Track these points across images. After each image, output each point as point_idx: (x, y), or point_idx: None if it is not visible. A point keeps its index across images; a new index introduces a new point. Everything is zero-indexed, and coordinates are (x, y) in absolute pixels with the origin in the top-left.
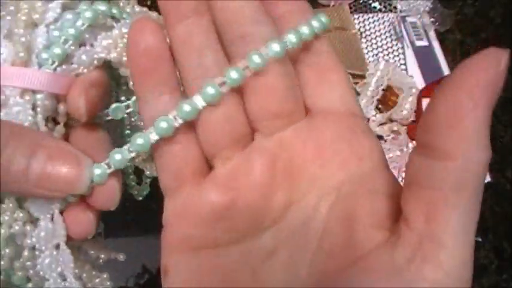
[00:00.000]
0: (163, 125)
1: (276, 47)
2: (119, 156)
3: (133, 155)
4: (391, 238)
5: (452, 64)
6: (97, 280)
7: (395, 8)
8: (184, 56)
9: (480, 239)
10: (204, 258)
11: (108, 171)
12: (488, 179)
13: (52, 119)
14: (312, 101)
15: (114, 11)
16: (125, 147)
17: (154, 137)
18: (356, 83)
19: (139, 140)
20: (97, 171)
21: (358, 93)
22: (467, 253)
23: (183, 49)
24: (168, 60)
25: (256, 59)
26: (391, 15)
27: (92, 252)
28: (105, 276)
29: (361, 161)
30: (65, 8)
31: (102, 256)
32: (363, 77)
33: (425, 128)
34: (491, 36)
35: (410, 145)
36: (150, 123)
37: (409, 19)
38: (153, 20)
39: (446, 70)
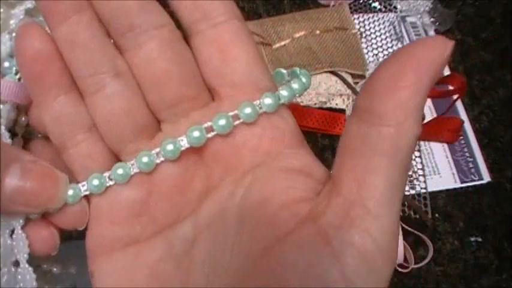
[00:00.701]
0: (145, 159)
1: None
2: (97, 182)
3: (112, 183)
4: (318, 207)
5: (452, 64)
6: None
7: (395, 8)
8: (72, 55)
9: (480, 239)
10: (128, 256)
11: (83, 194)
12: (488, 179)
13: (8, 130)
14: (217, 82)
15: None
16: (106, 174)
17: (135, 169)
18: (356, 83)
19: (119, 170)
20: (70, 191)
21: (358, 93)
22: (393, 221)
23: (70, 49)
24: (57, 61)
25: None
26: (391, 15)
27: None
28: None
29: (274, 141)
30: (28, 15)
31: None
32: (363, 77)
33: (366, 93)
34: (491, 36)
35: None
36: (51, 127)
37: (409, 19)
38: (37, 24)
39: (446, 70)
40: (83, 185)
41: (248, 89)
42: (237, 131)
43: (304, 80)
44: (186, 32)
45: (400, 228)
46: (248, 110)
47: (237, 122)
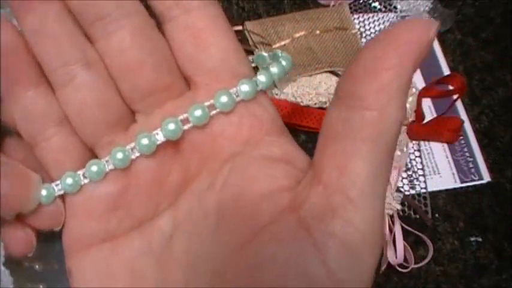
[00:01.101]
0: (120, 155)
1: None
2: (70, 181)
3: (86, 181)
4: (299, 197)
5: (452, 64)
6: None
7: (395, 8)
8: (41, 46)
9: (480, 239)
10: (105, 252)
11: (57, 193)
12: (488, 179)
13: None
14: (192, 70)
15: None
16: (80, 172)
17: (109, 165)
18: None
19: (94, 167)
20: (44, 192)
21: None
22: (377, 210)
23: (38, 40)
24: (25, 53)
25: None
26: (391, 15)
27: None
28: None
29: (253, 129)
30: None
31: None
32: None
33: (348, 76)
34: (491, 36)
35: (410, 145)
36: (22, 122)
37: (409, 19)
38: (3, 17)
39: (446, 70)
40: (57, 184)
41: (224, 76)
42: (214, 120)
43: (284, 63)
44: (159, 19)
45: (400, 228)
46: (224, 99)
47: (213, 112)
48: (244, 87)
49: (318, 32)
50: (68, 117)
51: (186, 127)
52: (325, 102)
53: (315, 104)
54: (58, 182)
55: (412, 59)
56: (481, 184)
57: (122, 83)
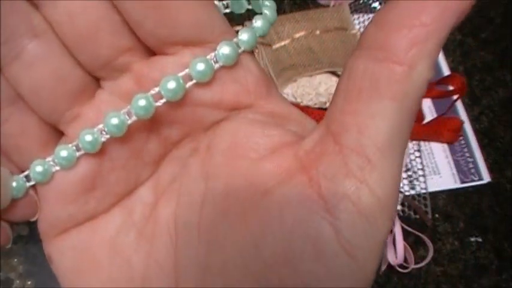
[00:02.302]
0: (89, 138)
1: None
2: (40, 169)
3: (58, 168)
4: (308, 156)
5: (453, 64)
6: None
7: None
8: None
9: (480, 239)
10: (85, 233)
11: (28, 184)
12: (488, 179)
13: None
14: (156, 43)
15: None
16: (49, 158)
17: (80, 152)
18: None
19: (63, 152)
20: (13, 184)
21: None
22: (395, 173)
23: None
24: None
25: None
26: None
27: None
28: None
29: (237, 95)
30: None
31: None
32: None
33: (378, 26)
34: (491, 36)
35: (410, 145)
36: None
37: None
38: None
39: (446, 70)
40: (26, 175)
41: (197, 38)
42: (192, 88)
43: (268, 13)
44: None
45: (400, 229)
46: (201, 67)
47: (189, 84)
48: (224, 50)
49: (318, 32)
50: (22, 95)
51: (159, 103)
52: (325, 103)
53: (315, 104)
54: (27, 172)
55: (454, 16)
56: (481, 184)
57: (79, 52)
